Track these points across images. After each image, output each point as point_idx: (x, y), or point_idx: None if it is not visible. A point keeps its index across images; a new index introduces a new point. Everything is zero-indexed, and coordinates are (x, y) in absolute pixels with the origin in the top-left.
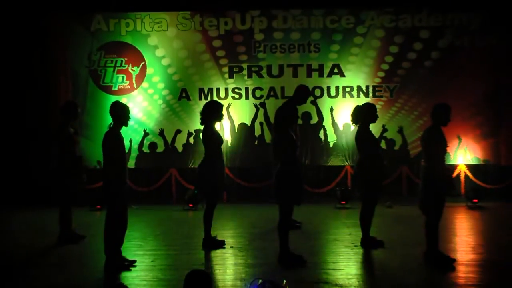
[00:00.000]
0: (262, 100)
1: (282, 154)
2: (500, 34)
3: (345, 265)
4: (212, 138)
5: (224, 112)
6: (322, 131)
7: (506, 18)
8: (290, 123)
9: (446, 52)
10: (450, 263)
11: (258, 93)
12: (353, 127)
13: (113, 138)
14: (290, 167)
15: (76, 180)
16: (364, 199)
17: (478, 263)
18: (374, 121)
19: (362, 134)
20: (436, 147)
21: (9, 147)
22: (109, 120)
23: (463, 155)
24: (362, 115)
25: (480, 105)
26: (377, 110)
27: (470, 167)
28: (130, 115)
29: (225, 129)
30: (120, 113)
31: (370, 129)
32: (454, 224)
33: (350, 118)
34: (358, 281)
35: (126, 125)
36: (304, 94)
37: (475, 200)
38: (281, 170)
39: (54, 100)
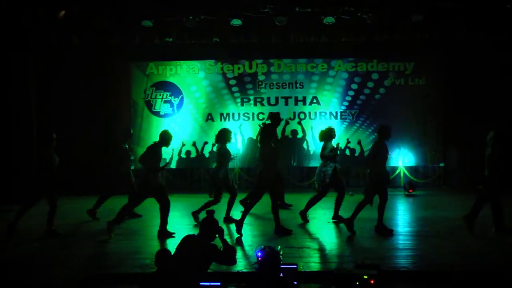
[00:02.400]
0: (263, 121)
1: (265, 160)
2: (425, 77)
3: (321, 235)
4: (223, 154)
5: (233, 135)
6: (305, 142)
7: (429, 66)
8: (270, 139)
9: (390, 89)
10: (392, 234)
11: (261, 116)
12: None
13: (154, 151)
14: (271, 168)
15: (125, 181)
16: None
17: (412, 233)
18: (333, 138)
19: (324, 149)
20: (380, 155)
21: (85, 158)
22: (157, 135)
23: (402, 159)
24: (323, 136)
25: (412, 125)
26: (343, 128)
27: (406, 167)
28: (171, 141)
29: (238, 141)
30: (166, 138)
31: (332, 143)
32: (396, 206)
33: (318, 137)
34: (330, 246)
35: (167, 146)
36: (276, 118)
37: (410, 190)
38: (264, 171)
39: (121, 122)
